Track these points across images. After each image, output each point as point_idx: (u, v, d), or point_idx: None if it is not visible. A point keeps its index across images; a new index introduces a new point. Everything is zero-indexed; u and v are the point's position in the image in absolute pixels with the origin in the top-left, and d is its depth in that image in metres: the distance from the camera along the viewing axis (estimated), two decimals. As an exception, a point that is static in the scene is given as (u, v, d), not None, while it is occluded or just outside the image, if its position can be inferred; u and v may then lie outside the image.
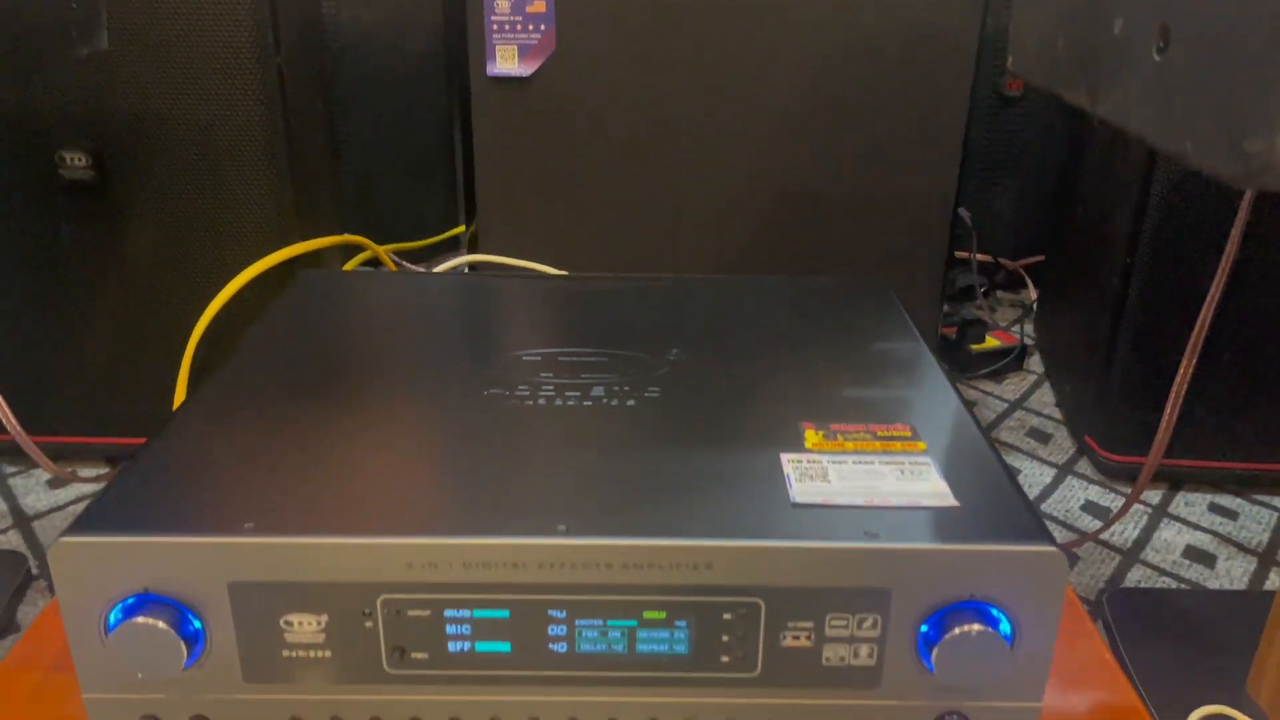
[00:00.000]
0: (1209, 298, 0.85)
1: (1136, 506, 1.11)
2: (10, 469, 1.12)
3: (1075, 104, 0.63)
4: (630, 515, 0.49)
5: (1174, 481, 1.15)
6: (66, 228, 1.01)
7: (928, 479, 0.52)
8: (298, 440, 0.56)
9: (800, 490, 0.51)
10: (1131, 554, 1.03)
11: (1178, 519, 1.08)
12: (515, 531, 0.47)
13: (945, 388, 0.62)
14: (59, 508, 1.05)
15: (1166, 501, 1.11)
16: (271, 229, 1.02)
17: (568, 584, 0.47)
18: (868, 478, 0.52)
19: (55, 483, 1.10)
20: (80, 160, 0.98)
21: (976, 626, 0.47)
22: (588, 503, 0.50)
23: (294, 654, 0.48)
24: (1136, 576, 0.99)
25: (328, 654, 0.48)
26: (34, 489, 1.09)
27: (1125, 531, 1.06)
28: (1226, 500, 1.12)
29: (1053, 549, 0.46)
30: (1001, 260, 1.65)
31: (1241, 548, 1.04)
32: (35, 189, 1.00)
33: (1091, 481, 1.15)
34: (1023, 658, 0.48)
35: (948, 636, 0.47)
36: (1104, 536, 1.05)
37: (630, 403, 0.59)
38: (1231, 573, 1.00)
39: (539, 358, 0.65)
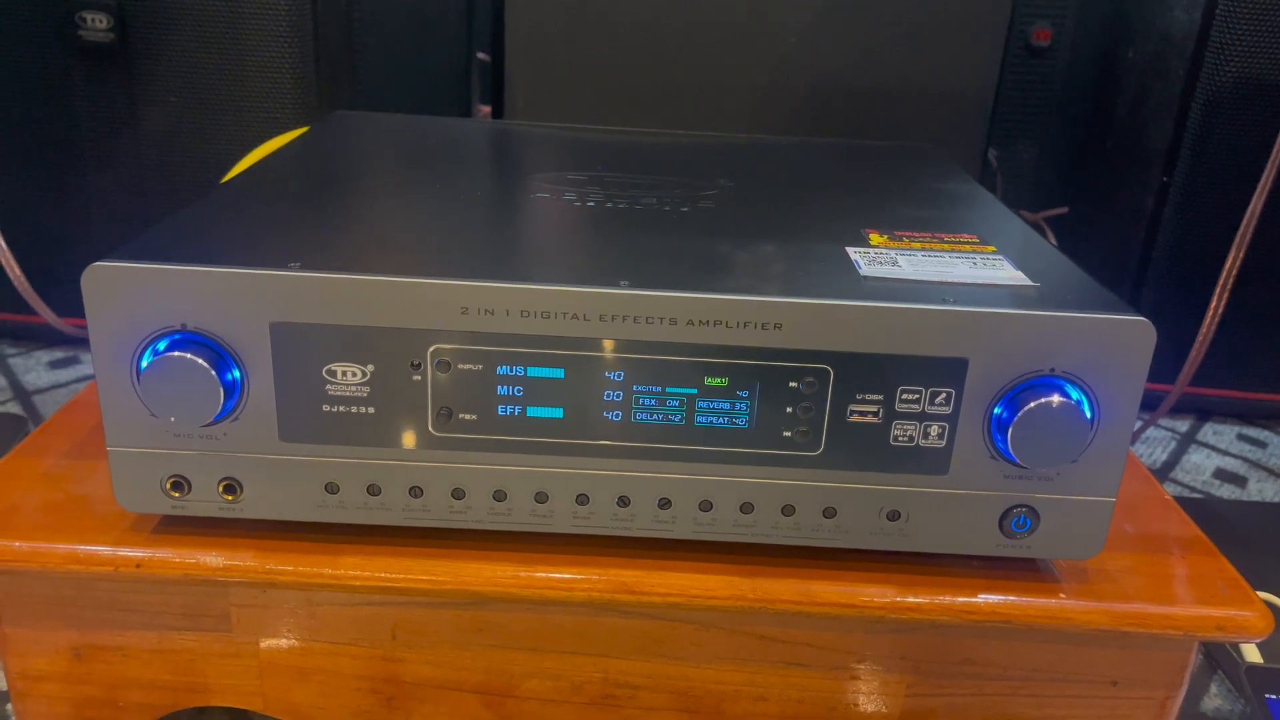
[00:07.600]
0: (1245, 220, 0.83)
1: (1165, 433, 1.08)
2: (10, 350, 1.09)
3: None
4: (696, 275, 0.46)
5: (1201, 413, 1.13)
6: (81, 93, 0.99)
7: (1003, 268, 0.50)
8: (351, 200, 0.54)
9: (869, 270, 0.48)
10: (1160, 474, 1.00)
11: (1206, 445, 1.06)
12: (577, 281, 0.45)
13: (1006, 213, 0.60)
14: (60, 385, 1.02)
15: (1195, 430, 1.09)
16: (291, 103, 0.99)
17: (628, 341, 0.45)
18: (939, 265, 0.49)
19: (56, 363, 1.07)
20: (101, 21, 0.95)
21: (1056, 398, 0.44)
22: (652, 265, 0.48)
23: (335, 409, 0.46)
24: (1170, 492, 0.97)
25: (370, 411, 0.46)
26: (34, 368, 1.05)
27: (1154, 454, 1.04)
28: (1255, 431, 1.10)
29: (1140, 318, 0.44)
30: (1023, 213, 1.63)
31: (1273, 472, 1.02)
32: (52, 50, 0.97)
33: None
34: (1101, 440, 0.46)
35: (1026, 409, 0.44)
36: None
37: (684, 209, 0.57)
38: (1264, 494, 0.97)
39: (584, 177, 0.63)
